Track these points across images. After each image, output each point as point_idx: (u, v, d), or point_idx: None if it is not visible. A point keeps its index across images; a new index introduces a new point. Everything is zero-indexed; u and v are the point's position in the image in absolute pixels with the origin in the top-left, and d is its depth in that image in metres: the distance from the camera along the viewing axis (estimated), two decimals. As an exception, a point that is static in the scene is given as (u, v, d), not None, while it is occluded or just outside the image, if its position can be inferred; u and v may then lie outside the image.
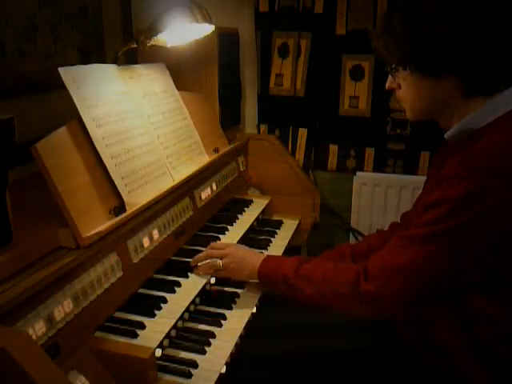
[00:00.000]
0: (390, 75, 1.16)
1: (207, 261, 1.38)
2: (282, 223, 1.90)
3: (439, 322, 1.12)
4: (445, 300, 1.09)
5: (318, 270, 1.21)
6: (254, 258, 1.36)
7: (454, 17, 0.99)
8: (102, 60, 1.94)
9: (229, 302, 1.35)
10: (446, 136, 1.14)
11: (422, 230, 1.05)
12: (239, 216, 1.79)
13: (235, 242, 1.59)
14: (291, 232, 1.84)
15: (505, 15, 1.01)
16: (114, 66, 1.47)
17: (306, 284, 1.20)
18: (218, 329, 1.24)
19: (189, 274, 1.39)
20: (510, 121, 1.02)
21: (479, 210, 0.98)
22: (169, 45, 1.62)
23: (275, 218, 1.96)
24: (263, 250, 1.64)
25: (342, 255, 1.46)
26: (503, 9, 1.01)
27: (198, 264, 1.39)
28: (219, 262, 1.36)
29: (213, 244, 1.47)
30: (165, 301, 1.26)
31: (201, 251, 1.44)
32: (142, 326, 1.15)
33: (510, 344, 1.05)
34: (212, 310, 1.33)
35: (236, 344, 1.20)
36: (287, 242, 1.75)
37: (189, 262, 1.42)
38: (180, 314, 1.22)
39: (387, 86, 1.18)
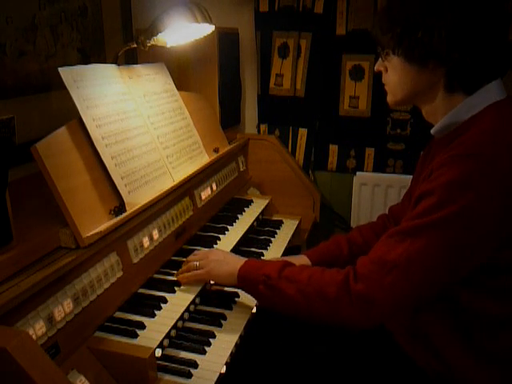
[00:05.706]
0: (380, 58, 1.18)
1: (186, 266, 1.36)
2: (282, 223, 1.90)
3: (428, 319, 1.11)
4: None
5: (303, 271, 1.13)
6: (235, 259, 1.29)
7: (450, 12, 1.01)
8: (102, 60, 1.94)
9: (229, 301, 1.35)
10: (432, 131, 1.15)
11: (414, 222, 1.00)
12: (239, 216, 1.79)
13: (235, 241, 1.60)
14: (291, 232, 1.84)
15: (496, 17, 1.03)
16: (113, 66, 1.47)
17: (288, 285, 1.11)
18: (218, 329, 1.24)
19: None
20: (494, 112, 1.03)
21: (470, 197, 0.94)
22: (169, 45, 1.62)
23: (275, 217, 1.96)
24: (263, 250, 1.65)
25: (339, 246, 1.44)
26: (495, 10, 1.03)
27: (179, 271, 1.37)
28: (196, 263, 1.33)
29: (195, 252, 1.42)
30: (165, 301, 1.26)
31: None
32: (142, 326, 1.15)
33: (501, 337, 1.04)
34: (212, 310, 1.33)
35: (236, 344, 1.20)
36: (287, 242, 1.75)
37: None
38: (180, 314, 1.22)
39: (375, 67, 1.20)
